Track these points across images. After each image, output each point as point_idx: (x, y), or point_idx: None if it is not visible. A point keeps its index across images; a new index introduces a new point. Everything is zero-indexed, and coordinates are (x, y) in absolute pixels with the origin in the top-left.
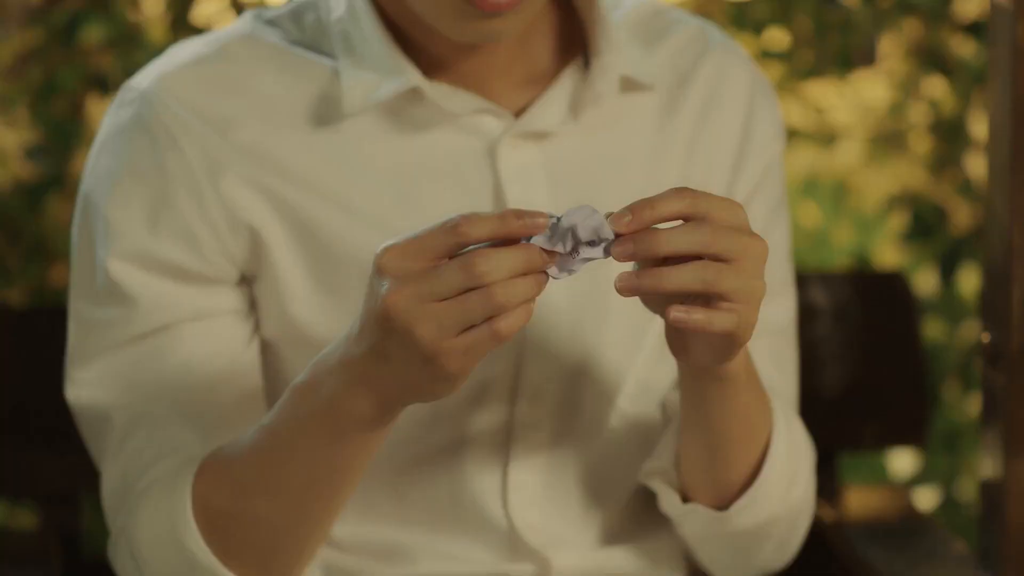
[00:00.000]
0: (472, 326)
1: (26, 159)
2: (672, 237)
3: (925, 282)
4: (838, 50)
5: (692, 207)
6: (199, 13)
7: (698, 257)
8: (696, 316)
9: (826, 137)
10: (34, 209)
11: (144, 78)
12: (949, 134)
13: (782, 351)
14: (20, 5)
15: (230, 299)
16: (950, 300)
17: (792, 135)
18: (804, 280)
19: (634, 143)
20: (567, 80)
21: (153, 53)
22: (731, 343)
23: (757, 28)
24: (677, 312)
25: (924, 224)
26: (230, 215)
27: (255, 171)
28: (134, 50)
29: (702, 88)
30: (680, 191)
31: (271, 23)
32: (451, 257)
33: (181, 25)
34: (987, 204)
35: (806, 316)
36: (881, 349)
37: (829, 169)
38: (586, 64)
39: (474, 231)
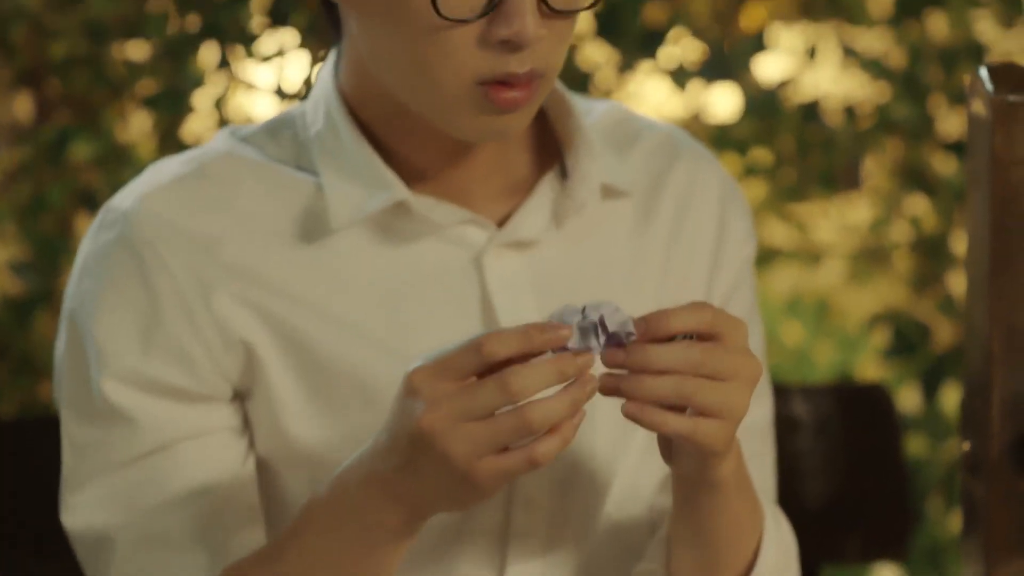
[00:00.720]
0: (507, 447)
1: (14, 275)
2: (664, 355)
3: (908, 399)
4: (821, 169)
5: (709, 326)
6: (188, 131)
7: None
8: (653, 418)
9: (809, 256)
10: (22, 324)
11: (125, 199)
12: (932, 252)
13: (761, 451)
14: (9, 123)
15: (226, 415)
16: (933, 417)
17: (775, 254)
18: (786, 393)
19: (614, 249)
20: (546, 188)
21: (141, 171)
22: (707, 453)
23: (741, 148)
24: (628, 407)
25: (907, 341)
26: (223, 333)
27: (244, 288)
28: (123, 167)
29: (675, 193)
30: (700, 307)
31: (247, 141)
32: (480, 375)
33: (170, 143)
34: (967, 311)
35: (789, 429)
36: (864, 462)
37: (812, 287)
38: (563, 172)
39: (500, 349)
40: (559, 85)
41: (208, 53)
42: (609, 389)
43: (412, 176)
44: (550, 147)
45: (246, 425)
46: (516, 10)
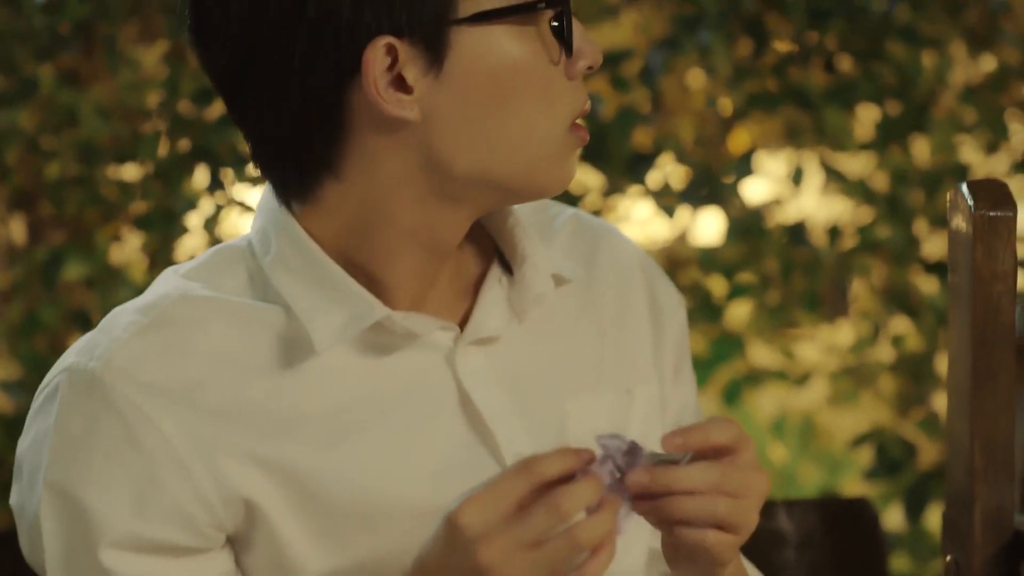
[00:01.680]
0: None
1: (6, 394)
2: (687, 477)
3: (893, 518)
4: (806, 290)
5: (732, 440)
6: (181, 251)
7: None
8: (680, 532)
9: (794, 377)
10: (14, 442)
11: (90, 358)
12: (916, 373)
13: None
14: (2, 244)
15: (222, 562)
16: (918, 536)
17: (761, 374)
18: (772, 507)
19: (568, 339)
20: (494, 283)
21: (135, 291)
22: (715, 562)
23: (727, 271)
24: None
25: (891, 460)
26: (222, 491)
27: (234, 433)
28: (115, 288)
29: (607, 276)
30: (726, 423)
31: (191, 278)
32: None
33: (162, 263)
34: (948, 425)
35: (774, 542)
36: None
37: (797, 408)
38: (502, 263)
39: (550, 470)
40: None
41: (200, 175)
42: (644, 509)
43: (379, 291)
44: (485, 243)
45: (238, 569)
46: (584, 37)
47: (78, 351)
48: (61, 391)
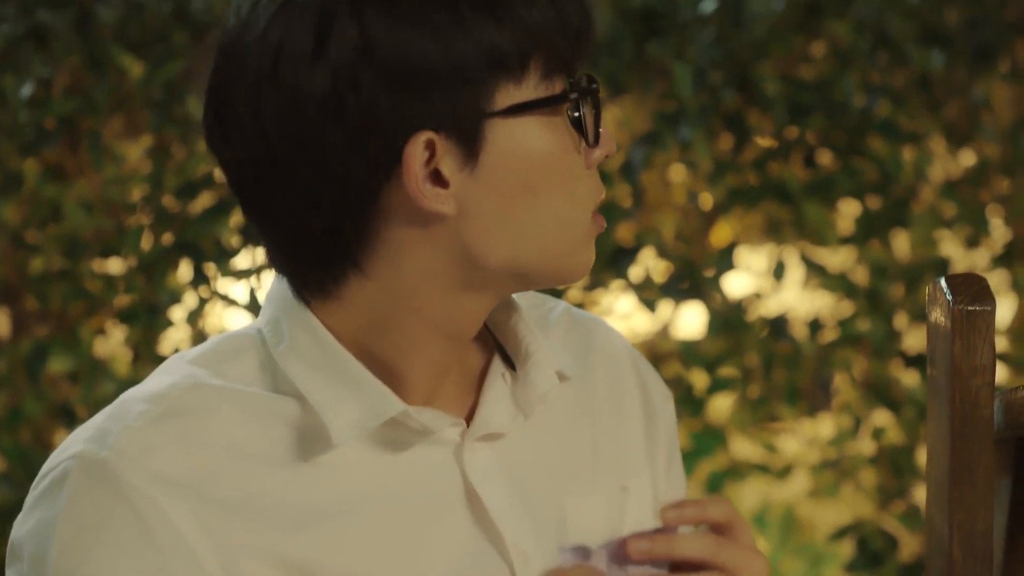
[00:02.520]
0: None
1: None
2: (686, 545)
3: None
4: (787, 383)
5: (726, 518)
6: (165, 345)
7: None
8: None
9: (776, 470)
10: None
11: (99, 447)
12: (896, 466)
13: None
14: None
15: None
16: None
17: (743, 468)
18: None
19: (568, 435)
20: (497, 378)
21: (119, 384)
22: None
23: (709, 365)
24: None
25: (872, 553)
26: None
27: (246, 528)
28: (100, 381)
29: (601, 372)
30: (720, 501)
31: (200, 365)
32: None
33: (146, 356)
34: (927, 517)
35: None
36: None
37: (778, 500)
38: (504, 359)
39: None
40: None
41: (184, 269)
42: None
43: (395, 383)
44: (484, 336)
45: None
46: (603, 126)
47: (87, 439)
48: (71, 479)
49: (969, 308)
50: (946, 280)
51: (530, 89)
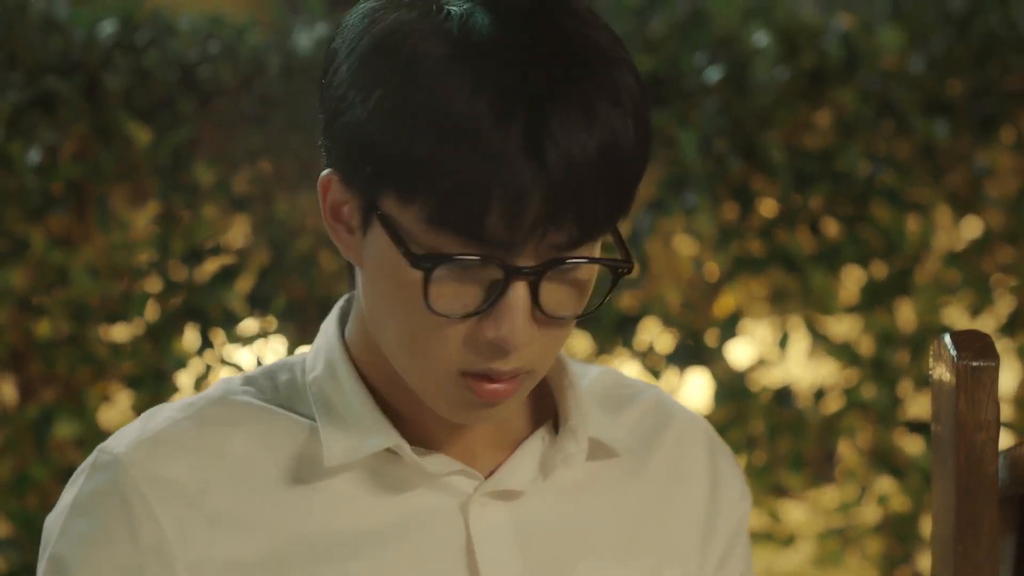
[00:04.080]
0: None
1: None
2: None
3: None
4: (792, 452)
5: None
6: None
7: None
8: None
9: (781, 539)
10: None
11: (119, 443)
12: (901, 533)
13: None
14: None
15: None
16: None
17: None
18: None
19: (601, 507)
20: (537, 442)
21: None
22: None
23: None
24: None
25: None
26: None
27: (227, 543)
28: None
29: (666, 454)
30: None
31: (247, 382)
32: None
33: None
34: (933, 575)
35: None
36: None
37: (783, 570)
38: (555, 428)
39: None
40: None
41: (190, 335)
42: None
43: (411, 428)
44: (547, 405)
45: None
46: (507, 313)
47: (116, 434)
48: (88, 469)
49: (974, 364)
50: (950, 336)
51: (409, 219)
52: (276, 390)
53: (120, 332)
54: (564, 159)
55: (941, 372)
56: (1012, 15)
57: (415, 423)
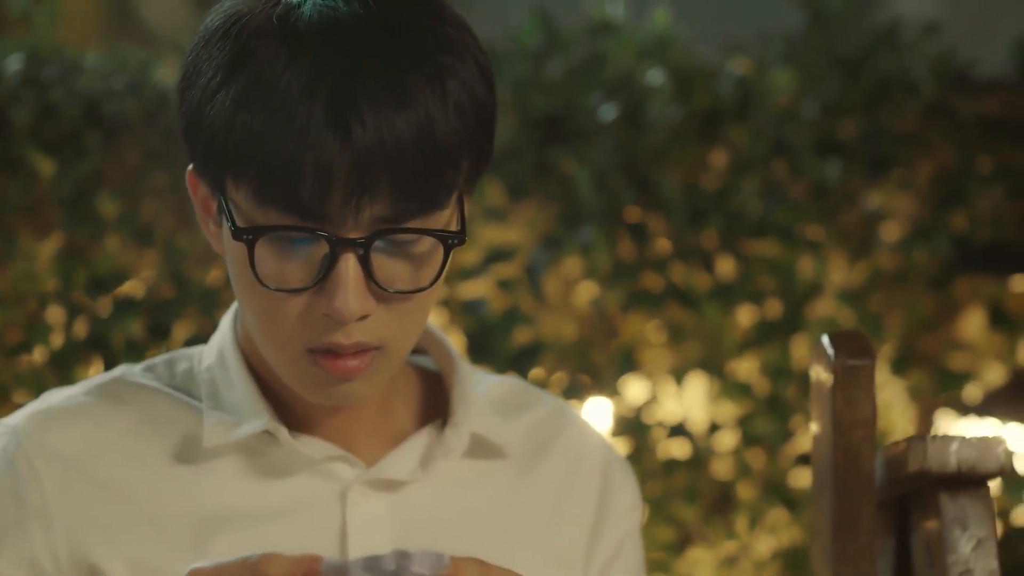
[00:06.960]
0: None
1: None
2: None
3: None
4: (687, 484)
5: None
6: None
7: None
8: None
9: (677, 572)
10: None
11: (16, 416)
12: (794, 564)
13: None
14: None
15: None
16: None
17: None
18: None
19: (485, 505)
20: (422, 437)
21: None
22: None
23: None
24: None
25: None
26: (75, 553)
27: (107, 509)
28: None
29: (558, 461)
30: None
31: (147, 368)
32: None
33: None
34: (813, 573)
35: None
36: None
37: None
38: (444, 425)
39: (272, 570)
40: (454, 352)
41: (95, 365)
42: None
43: (292, 414)
44: (440, 405)
45: None
46: (337, 286)
47: (19, 410)
48: None
49: (850, 362)
50: (828, 336)
51: (242, 199)
52: (173, 376)
53: (24, 361)
54: (370, 133)
55: (819, 372)
56: (903, 60)
57: (296, 409)
